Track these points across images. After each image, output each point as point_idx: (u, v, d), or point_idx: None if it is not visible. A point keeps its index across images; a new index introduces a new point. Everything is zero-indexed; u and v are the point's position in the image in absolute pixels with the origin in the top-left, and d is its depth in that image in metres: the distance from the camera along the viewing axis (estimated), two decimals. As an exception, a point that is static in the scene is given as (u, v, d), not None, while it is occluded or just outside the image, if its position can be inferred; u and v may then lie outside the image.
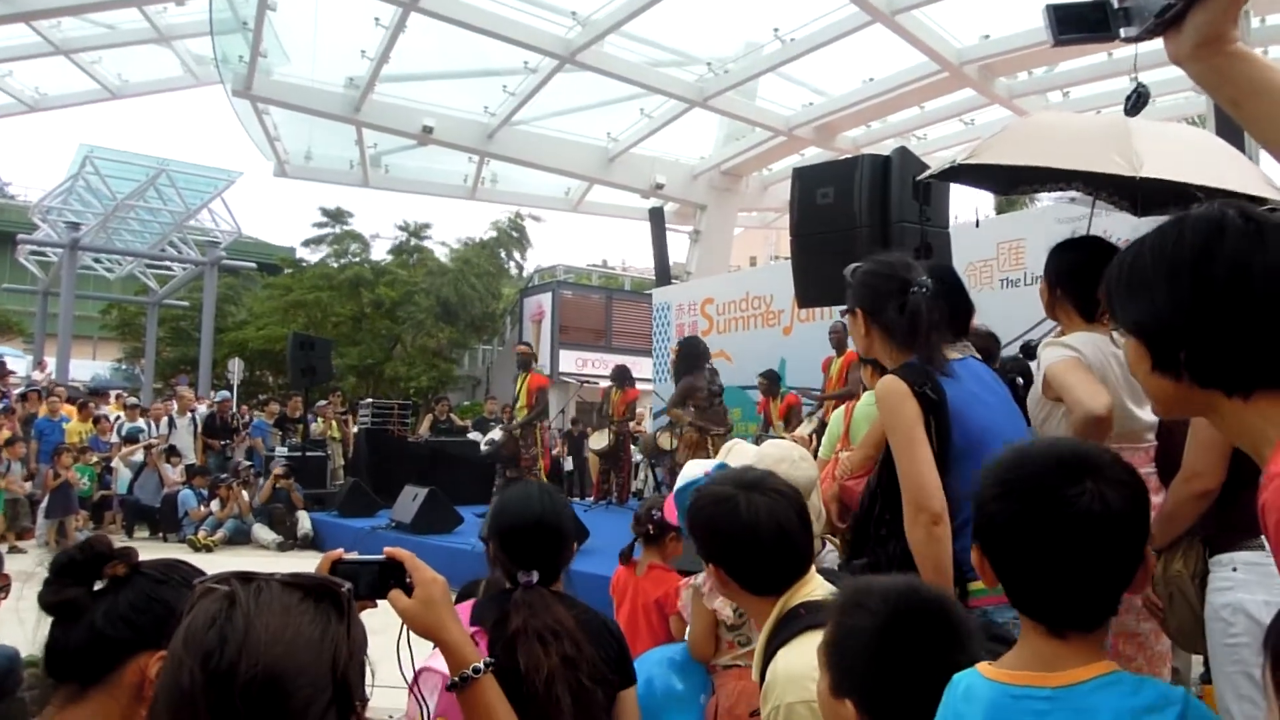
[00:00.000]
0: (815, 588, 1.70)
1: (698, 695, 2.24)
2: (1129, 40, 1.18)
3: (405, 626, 1.41)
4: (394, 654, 1.39)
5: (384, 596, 1.37)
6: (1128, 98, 1.32)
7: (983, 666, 1.15)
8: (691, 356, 9.76)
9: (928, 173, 3.75)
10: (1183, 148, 2.83)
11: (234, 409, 13.64)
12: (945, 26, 11.29)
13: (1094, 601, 1.11)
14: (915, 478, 2.04)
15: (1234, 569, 1.95)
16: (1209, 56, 1.09)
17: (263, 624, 0.89)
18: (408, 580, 1.40)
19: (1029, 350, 5.39)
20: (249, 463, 11.94)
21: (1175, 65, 1.14)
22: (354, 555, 1.35)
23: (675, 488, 2.35)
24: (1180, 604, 2.16)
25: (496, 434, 9.44)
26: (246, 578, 0.96)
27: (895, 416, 2.09)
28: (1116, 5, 1.18)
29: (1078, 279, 2.55)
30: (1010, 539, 1.11)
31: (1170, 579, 2.18)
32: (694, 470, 2.30)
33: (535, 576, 1.79)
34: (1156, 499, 2.52)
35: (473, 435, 12.51)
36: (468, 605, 1.87)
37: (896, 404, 2.08)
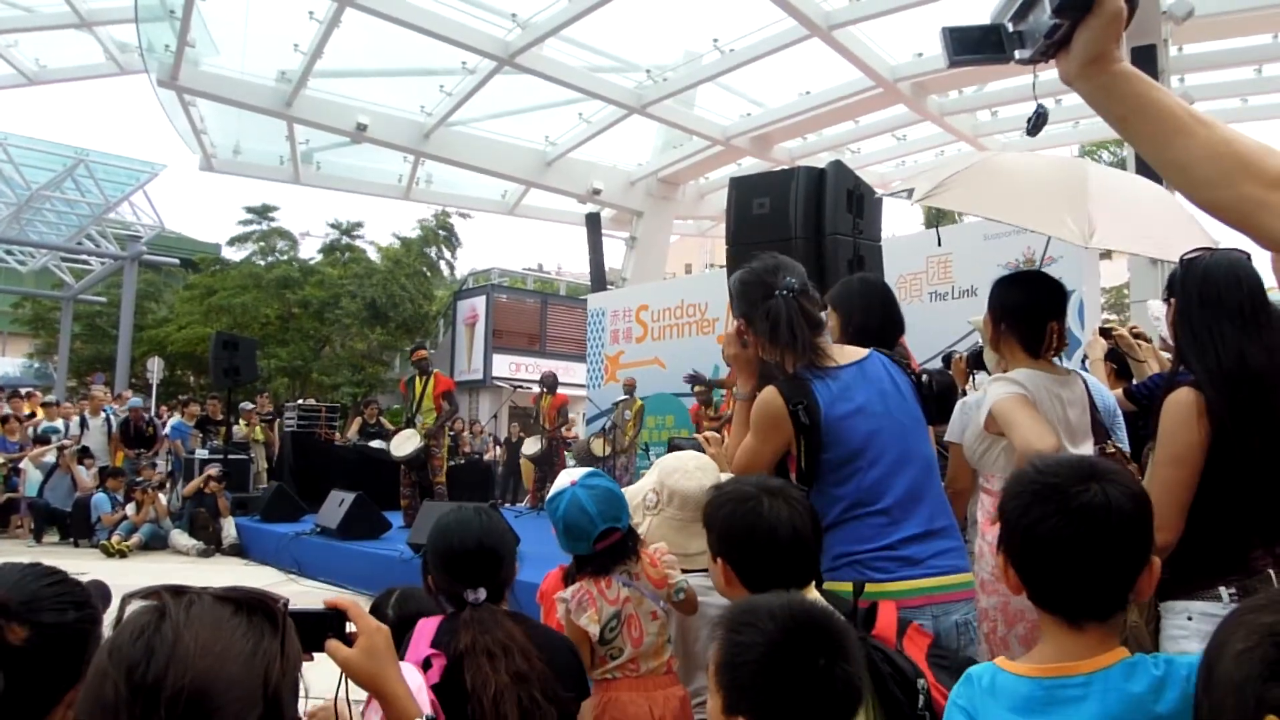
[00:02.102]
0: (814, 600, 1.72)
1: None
2: (1021, 62, 1.22)
3: (344, 676, 1.35)
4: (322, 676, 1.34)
5: (320, 650, 1.30)
6: (1029, 119, 1.39)
7: (1005, 663, 1.28)
8: None
9: (887, 192, 3.82)
10: (1135, 207, 2.86)
11: (149, 414, 12.86)
12: (880, 44, 11.53)
13: (1105, 591, 1.23)
14: (745, 466, 2.25)
15: (1189, 618, 1.96)
16: (1095, 75, 1.15)
17: (192, 636, 0.87)
18: (348, 632, 1.34)
19: (948, 360, 5.54)
20: (160, 464, 11.47)
21: (1066, 85, 1.19)
22: (290, 606, 1.30)
23: (548, 497, 2.35)
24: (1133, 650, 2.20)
25: (414, 440, 9.22)
26: (178, 591, 0.93)
27: (759, 422, 2.23)
28: (1011, 29, 1.21)
29: (1022, 315, 2.57)
30: (1026, 537, 1.25)
31: (1129, 629, 2.21)
32: (563, 480, 2.30)
33: (483, 593, 1.79)
34: None
35: (376, 444, 12.02)
36: (431, 624, 1.82)
37: (767, 415, 2.20)
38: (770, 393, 2.19)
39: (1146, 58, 7.61)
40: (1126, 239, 2.70)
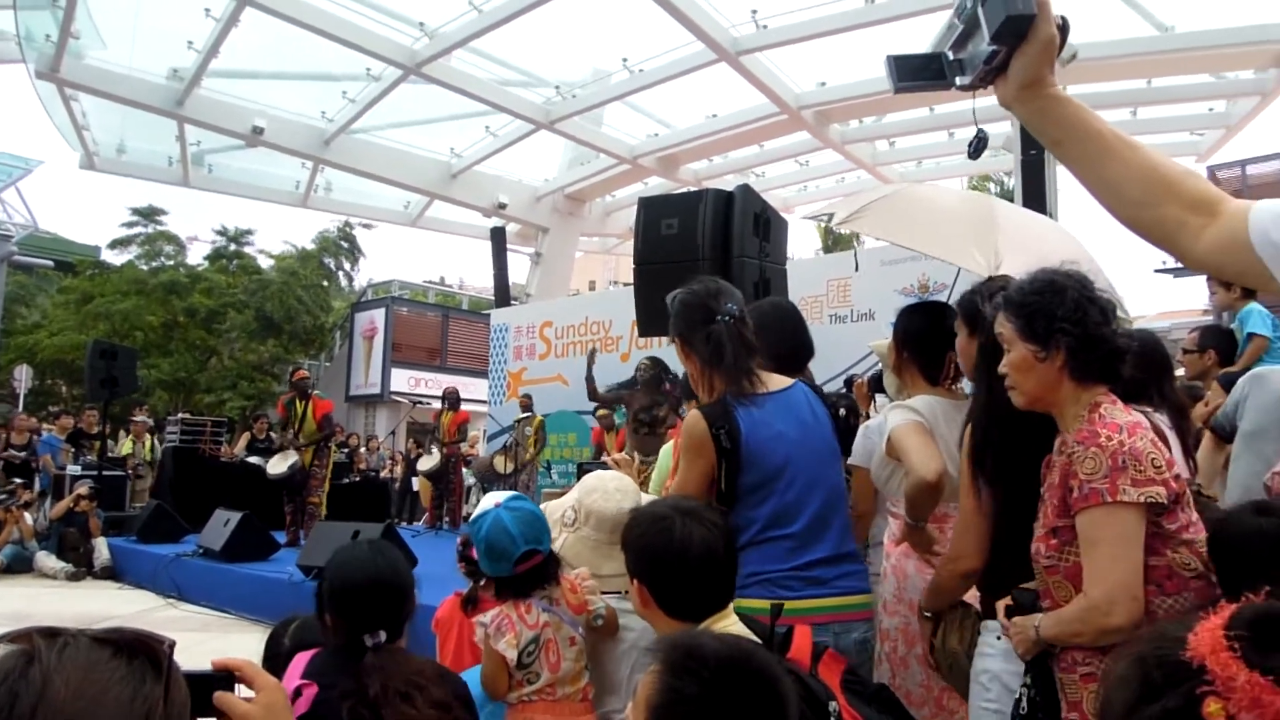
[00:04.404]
0: (731, 624, 1.73)
1: None
2: (962, 88, 1.27)
3: None
4: None
5: (207, 715, 1.16)
6: (970, 143, 1.46)
7: None
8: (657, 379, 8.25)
9: (816, 213, 3.90)
10: (1038, 241, 3.01)
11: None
12: (785, 71, 11.81)
13: None
14: (678, 493, 2.28)
15: (998, 637, 2.05)
16: (1031, 99, 1.21)
17: (63, 681, 0.80)
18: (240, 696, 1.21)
19: (850, 383, 5.68)
20: (20, 481, 10.64)
21: (1005, 109, 1.24)
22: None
23: (471, 518, 2.33)
24: (958, 674, 2.30)
25: (290, 458, 9.00)
26: (51, 633, 0.85)
27: (686, 445, 2.29)
28: (951, 57, 1.26)
29: (924, 344, 2.68)
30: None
31: (949, 652, 2.32)
32: (487, 501, 2.29)
33: (383, 636, 1.78)
34: None
35: (253, 460, 11.44)
36: (304, 658, 1.76)
37: (691, 439, 2.26)
38: (694, 416, 2.27)
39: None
40: (1030, 270, 2.82)
